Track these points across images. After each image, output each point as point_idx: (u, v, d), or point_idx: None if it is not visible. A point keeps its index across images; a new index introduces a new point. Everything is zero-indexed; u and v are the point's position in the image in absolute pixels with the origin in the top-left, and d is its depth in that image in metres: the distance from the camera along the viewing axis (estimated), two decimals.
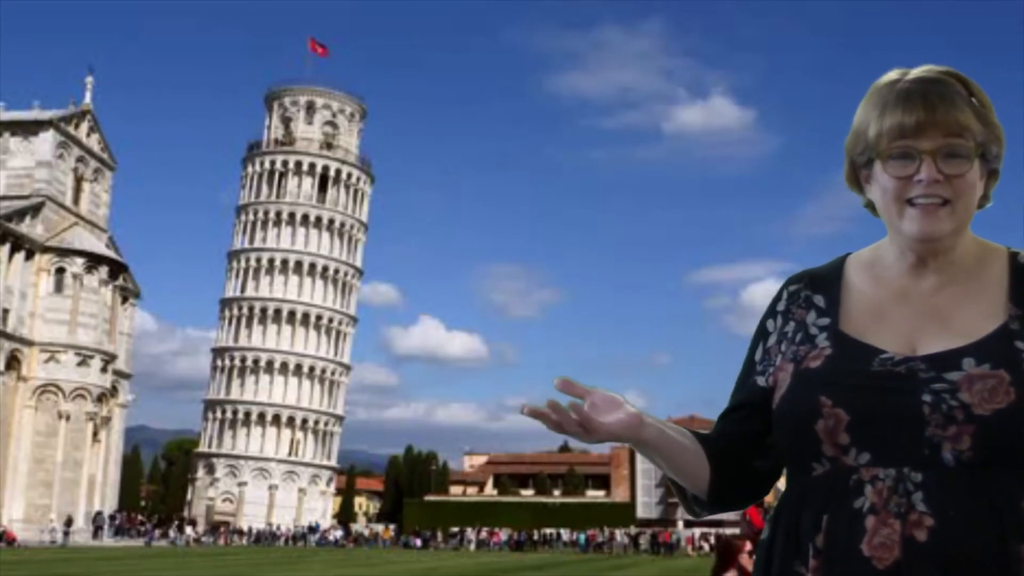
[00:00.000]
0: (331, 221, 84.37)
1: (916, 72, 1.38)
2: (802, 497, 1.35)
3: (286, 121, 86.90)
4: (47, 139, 58.11)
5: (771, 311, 1.51)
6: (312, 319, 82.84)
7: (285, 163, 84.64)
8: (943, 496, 1.25)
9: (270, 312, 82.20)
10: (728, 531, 15.14)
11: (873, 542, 1.26)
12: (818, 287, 1.47)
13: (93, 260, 58.27)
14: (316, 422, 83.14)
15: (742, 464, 1.46)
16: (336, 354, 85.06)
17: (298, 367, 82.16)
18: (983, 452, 1.26)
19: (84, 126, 61.73)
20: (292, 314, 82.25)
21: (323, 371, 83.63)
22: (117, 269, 61.04)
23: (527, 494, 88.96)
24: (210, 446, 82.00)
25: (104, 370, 58.79)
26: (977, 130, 1.34)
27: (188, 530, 65.69)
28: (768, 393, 1.44)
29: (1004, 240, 1.50)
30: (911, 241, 1.36)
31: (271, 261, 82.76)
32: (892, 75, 1.40)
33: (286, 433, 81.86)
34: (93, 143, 62.50)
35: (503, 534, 67.32)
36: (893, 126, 1.34)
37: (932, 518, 1.24)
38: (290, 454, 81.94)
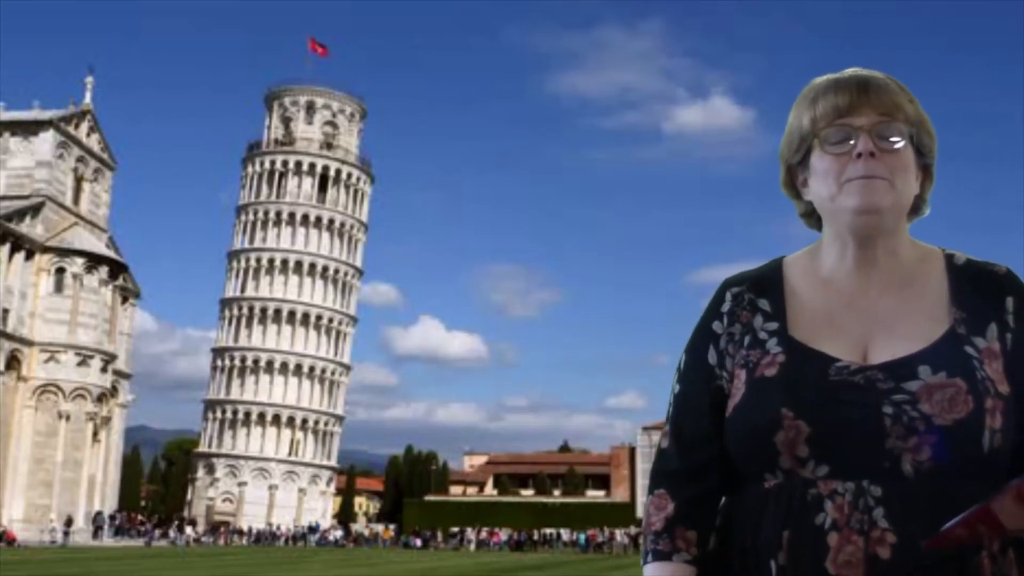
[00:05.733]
0: (331, 221, 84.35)
1: (847, 71, 1.41)
2: (757, 510, 1.34)
3: (286, 121, 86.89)
4: (47, 139, 58.07)
5: (715, 312, 1.46)
6: (312, 319, 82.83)
7: (285, 163, 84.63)
8: (904, 511, 1.25)
9: (270, 312, 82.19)
10: None
11: (838, 560, 1.25)
12: (761, 290, 1.45)
13: (93, 260, 58.25)
14: (316, 422, 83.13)
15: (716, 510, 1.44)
16: (336, 354, 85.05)
17: (298, 367, 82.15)
18: (942, 463, 1.26)
19: (84, 126, 61.70)
20: (292, 314, 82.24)
21: (323, 371, 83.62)
22: (117, 269, 61.02)
23: (527, 494, 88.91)
24: (210, 446, 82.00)
25: (104, 370, 58.76)
26: (910, 112, 1.36)
27: (188, 530, 65.64)
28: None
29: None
30: (851, 216, 1.35)
31: (271, 261, 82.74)
32: (822, 78, 1.43)
33: (286, 433, 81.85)
34: (93, 143, 62.47)
35: (503, 534, 67.30)
36: (827, 108, 1.35)
37: (894, 535, 1.24)
38: (290, 454, 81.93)
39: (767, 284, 1.46)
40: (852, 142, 1.33)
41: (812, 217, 1.46)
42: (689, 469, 1.41)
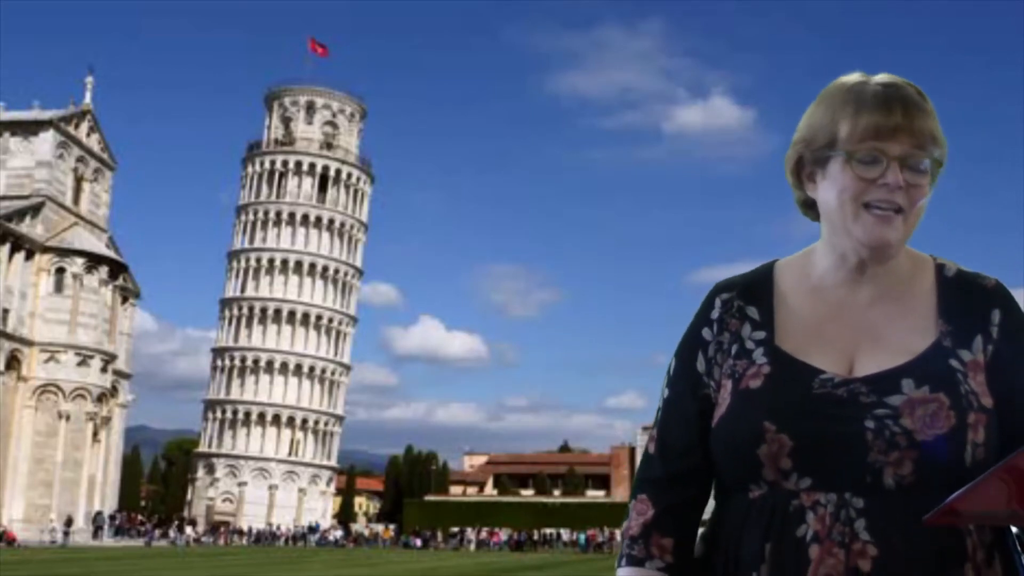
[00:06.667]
0: (331, 221, 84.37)
1: (883, 78, 1.37)
2: (740, 519, 1.35)
3: (286, 121, 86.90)
4: (47, 139, 58.08)
5: (705, 319, 1.46)
6: (312, 319, 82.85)
7: (285, 163, 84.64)
8: (885, 523, 1.26)
9: (270, 312, 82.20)
10: None
11: (819, 572, 1.26)
12: (750, 298, 1.45)
13: (93, 260, 58.26)
14: (316, 422, 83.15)
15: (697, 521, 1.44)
16: (336, 354, 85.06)
17: (298, 367, 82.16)
18: (924, 476, 1.27)
19: (84, 126, 61.71)
20: (292, 314, 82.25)
21: (323, 371, 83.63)
22: (117, 269, 61.03)
23: (527, 494, 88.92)
24: (210, 446, 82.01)
25: (104, 370, 58.77)
26: (939, 137, 1.35)
27: (188, 530, 65.68)
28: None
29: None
30: (859, 245, 1.35)
31: (271, 261, 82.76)
32: (856, 77, 1.38)
33: (286, 433, 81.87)
34: (93, 143, 62.48)
35: (503, 534, 67.32)
36: (869, 126, 1.32)
37: (875, 547, 1.25)
38: (290, 454, 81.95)
39: (757, 291, 1.45)
40: (881, 167, 1.32)
41: (811, 209, 1.44)
42: (671, 476, 1.42)
